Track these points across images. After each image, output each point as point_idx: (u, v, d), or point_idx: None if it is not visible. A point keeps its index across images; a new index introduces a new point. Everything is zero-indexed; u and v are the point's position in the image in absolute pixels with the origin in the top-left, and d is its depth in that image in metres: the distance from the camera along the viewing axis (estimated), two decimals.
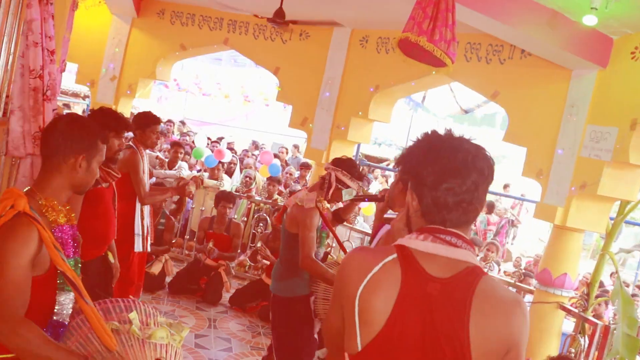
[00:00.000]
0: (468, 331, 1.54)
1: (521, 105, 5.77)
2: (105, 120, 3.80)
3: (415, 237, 1.65)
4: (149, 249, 5.31)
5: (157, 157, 8.74)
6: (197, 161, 9.99)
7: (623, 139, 4.83)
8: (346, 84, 7.39)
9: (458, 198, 1.62)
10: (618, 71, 5.02)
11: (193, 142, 11.32)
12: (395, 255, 1.64)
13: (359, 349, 1.63)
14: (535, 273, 5.54)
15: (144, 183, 4.94)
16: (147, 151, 5.32)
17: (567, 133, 5.34)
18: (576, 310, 5.25)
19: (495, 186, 15.73)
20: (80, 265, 2.55)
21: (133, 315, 2.52)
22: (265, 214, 8.62)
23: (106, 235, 4.17)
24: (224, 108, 18.77)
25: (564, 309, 5.28)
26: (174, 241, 8.22)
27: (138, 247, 5.07)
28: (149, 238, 5.22)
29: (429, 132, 1.73)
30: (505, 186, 16.58)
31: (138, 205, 5.01)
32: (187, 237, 8.39)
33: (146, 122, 5.01)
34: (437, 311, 1.57)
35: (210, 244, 7.22)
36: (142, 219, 5.07)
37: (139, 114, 5.20)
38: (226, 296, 7.13)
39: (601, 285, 6.91)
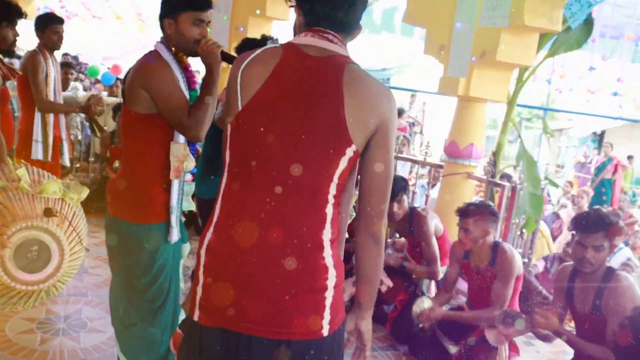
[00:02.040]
0: (343, 97, 1.64)
1: None
2: None
3: (298, 36, 1.80)
4: (66, 163, 5.06)
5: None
6: (95, 80, 9.54)
7: (518, 2, 4.87)
8: None
9: (335, 8, 1.74)
10: None
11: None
12: (279, 45, 1.78)
13: (239, 109, 1.69)
14: (443, 147, 5.64)
15: (42, 87, 4.65)
16: None
17: (464, 6, 5.35)
18: (484, 177, 5.40)
19: (401, 96, 15.83)
20: None
21: (22, 171, 2.36)
22: None
23: (10, 136, 3.94)
24: (119, 38, 17.94)
25: (473, 177, 5.41)
26: (77, 165, 7.88)
27: (36, 154, 4.78)
28: (62, 150, 4.98)
29: None
30: (412, 95, 16.84)
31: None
32: (91, 159, 8.06)
33: (44, 22, 4.76)
34: (314, 78, 1.68)
35: (116, 164, 6.94)
36: (46, 125, 4.78)
37: (39, 16, 4.94)
38: None
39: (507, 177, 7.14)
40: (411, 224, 4.52)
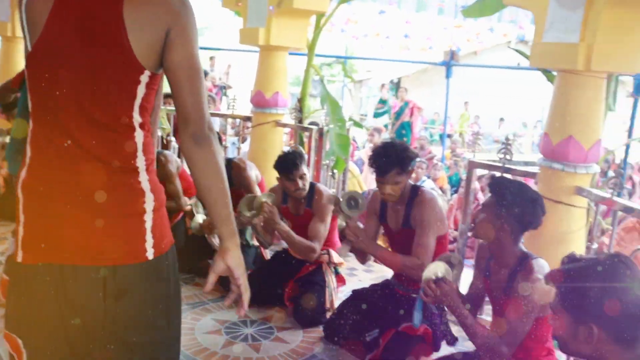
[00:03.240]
0: (123, 22, 1.53)
1: None
2: None
3: None
4: None
5: None
6: None
7: None
8: None
9: None
10: None
11: None
12: None
13: (29, 51, 1.57)
14: (250, 98, 5.68)
15: None
16: None
17: None
18: (293, 122, 5.54)
19: (202, 59, 15.83)
20: None
21: None
22: None
23: None
24: None
25: (281, 124, 5.53)
26: None
27: None
28: None
29: None
30: (211, 58, 16.80)
31: None
32: None
33: None
34: (95, 5, 1.55)
35: None
36: None
37: None
38: None
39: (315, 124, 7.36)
40: (230, 176, 4.53)
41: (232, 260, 1.65)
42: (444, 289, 2.61)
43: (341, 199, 3.41)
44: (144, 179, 1.63)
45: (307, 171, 4.07)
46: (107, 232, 1.57)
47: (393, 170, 3.28)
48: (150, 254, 1.63)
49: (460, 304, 2.60)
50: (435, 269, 2.72)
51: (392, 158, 3.29)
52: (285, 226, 3.97)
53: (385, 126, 13.19)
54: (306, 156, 4.42)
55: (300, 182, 3.95)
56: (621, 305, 1.60)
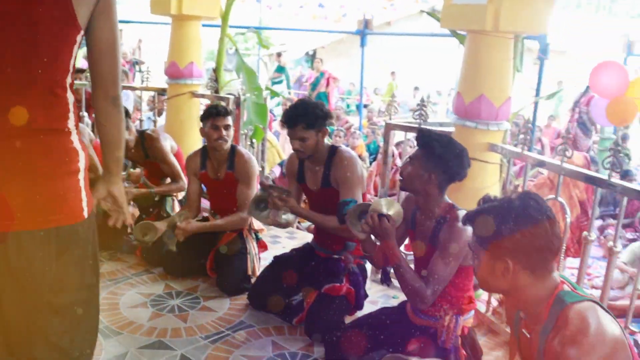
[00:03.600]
0: None
1: None
2: None
3: None
4: None
5: None
6: None
7: None
8: None
9: None
10: None
11: None
12: None
13: None
14: (164, 69, 5.56)
15: None
16: None
17: None
18: (209, 93, 5.45)
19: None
20: None
21: None
22: None
23: None
24: None
25: (197, 95, 5.45)
26: None
27: None
28: None
29: None
30: (139, 41, 16.59)
31: None
32: None
33: None
34: None
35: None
36: None
37: None
38: None
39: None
40: (145, 149, 4.44)
41: (118, 190, 1.91)
42: (385, 225, 2.63)
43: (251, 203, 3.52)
44: (75, 139, 1.69)
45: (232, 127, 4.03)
46: (48, 194, 1.61)
47: (300, 124, 3.28)
48: (85, 212, 1.70)
49: (396, 246, 2.63)
50: (386, 205, 2.70)
51: (299, 112, 3.29)
52: (206, 225, 3.95)
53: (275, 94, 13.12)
54: None
55: (224, 132, 3.91)
56: (532, 238, 1.69)
